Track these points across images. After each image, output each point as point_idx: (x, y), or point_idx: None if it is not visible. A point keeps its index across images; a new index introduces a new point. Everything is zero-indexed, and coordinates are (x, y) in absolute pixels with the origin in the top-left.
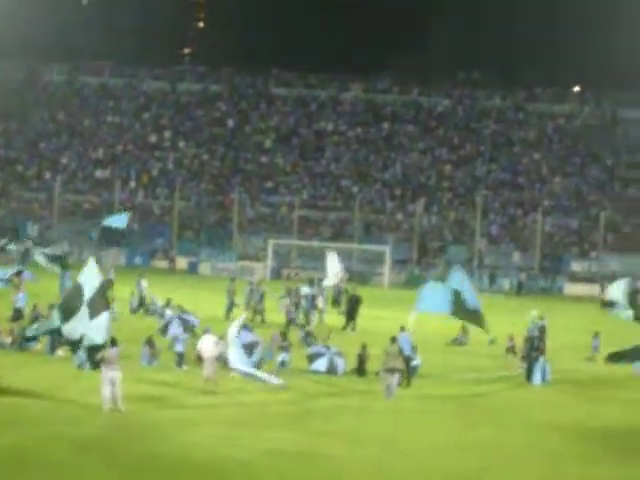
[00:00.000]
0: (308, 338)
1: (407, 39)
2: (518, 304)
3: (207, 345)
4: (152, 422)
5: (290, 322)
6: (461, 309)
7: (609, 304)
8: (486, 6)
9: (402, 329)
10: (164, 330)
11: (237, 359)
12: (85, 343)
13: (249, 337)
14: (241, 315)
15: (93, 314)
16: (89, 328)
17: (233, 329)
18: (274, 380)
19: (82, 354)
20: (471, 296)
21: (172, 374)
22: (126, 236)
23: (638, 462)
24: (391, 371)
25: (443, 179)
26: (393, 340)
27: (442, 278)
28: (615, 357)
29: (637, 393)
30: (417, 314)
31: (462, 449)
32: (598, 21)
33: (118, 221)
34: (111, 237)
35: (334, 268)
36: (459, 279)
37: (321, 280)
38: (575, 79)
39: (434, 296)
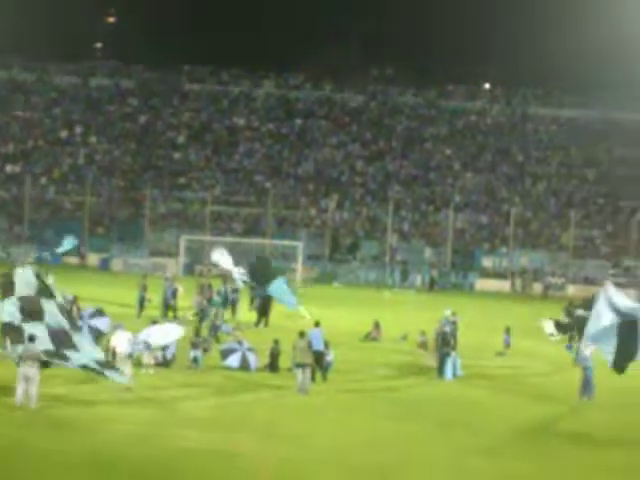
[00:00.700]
0: (215, 333)
1: (320, 36)
2: (430, 300)
3: (121, 342)
4: (63, 420)
5: (201, 319)
6: None
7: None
8: (399, 4)
9: (316, 324)
10: None
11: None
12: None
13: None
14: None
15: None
16: None
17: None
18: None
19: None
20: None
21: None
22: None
23: (544, 457)
24: (301, 366)
25: (356, 175)
26: (301, 335)
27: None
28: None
29: (548, 389)
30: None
31: (373, 444)
32: (508, 20)
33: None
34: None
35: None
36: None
37: (233, 276)
38: (486, 77)
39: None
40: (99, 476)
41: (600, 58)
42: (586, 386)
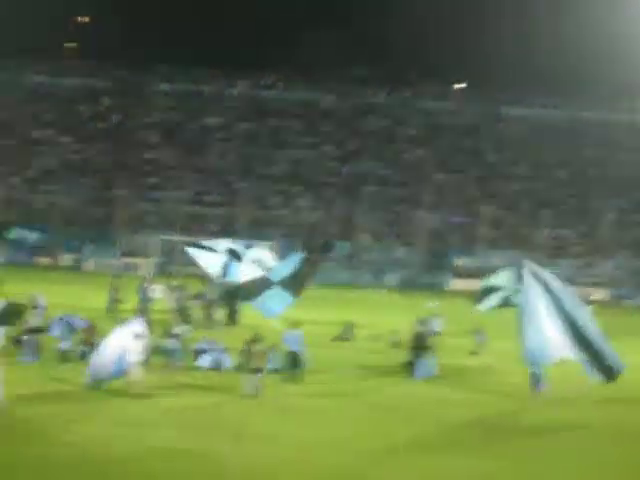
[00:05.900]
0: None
1: (293, 36)
2: (403, 300)
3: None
4: (37, 420)
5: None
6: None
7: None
8: (371, 4)
9: (296, 326)
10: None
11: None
12: None
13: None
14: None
15: None
16: None
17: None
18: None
19: None
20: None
21: (56, 371)
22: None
23: (515, 455)
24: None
25: (329, 175)
26: (257, 339)
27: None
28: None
29: (519, 388)
30: (272, 318)
31: (343, 445)
32: (480, 21)
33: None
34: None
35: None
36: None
37: (208, 277)
38: (459, 77)
39: (271, 299)
40: (65, 478)
41: (571, 59)
42: (536, 381)
